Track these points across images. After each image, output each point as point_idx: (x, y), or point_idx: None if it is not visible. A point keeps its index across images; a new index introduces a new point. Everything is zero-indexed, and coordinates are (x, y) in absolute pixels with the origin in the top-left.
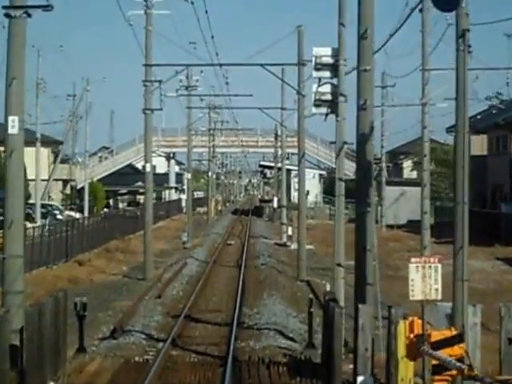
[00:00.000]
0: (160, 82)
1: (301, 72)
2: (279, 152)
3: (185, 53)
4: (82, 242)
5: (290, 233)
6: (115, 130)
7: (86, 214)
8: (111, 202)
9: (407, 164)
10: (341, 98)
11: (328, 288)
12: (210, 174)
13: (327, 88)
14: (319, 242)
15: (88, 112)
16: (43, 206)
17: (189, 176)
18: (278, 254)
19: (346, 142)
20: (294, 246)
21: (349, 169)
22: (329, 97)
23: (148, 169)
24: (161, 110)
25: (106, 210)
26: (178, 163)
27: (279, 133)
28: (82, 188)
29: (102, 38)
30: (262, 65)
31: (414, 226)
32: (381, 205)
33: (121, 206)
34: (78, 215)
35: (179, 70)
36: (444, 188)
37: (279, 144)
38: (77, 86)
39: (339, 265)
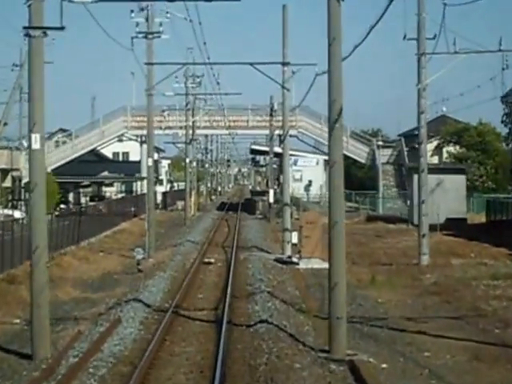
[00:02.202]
0: None
1: None
2: (276, 132)
3: None
4: None
5: (294, 240)
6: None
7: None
8: (71, 196)
9: (427, 147)
10: None
11: None
12: (187, 160)
13: None
14: None
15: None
16: None
17: (150, 162)
18: (282, 285)
19: None
20: (303, 265)
21: (359, 153)
22: None
23: (36, 145)
24: (61, 29)
25: (62, 206)
26: (157, 150)
27: (275, 107)
28: None
29: None
30: None
31: (458, 227)
32: (407, 200)
33: (83, 200)
34: (19, 214)
35: None
36: (479, 176)
37: (275, 123)
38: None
39: None
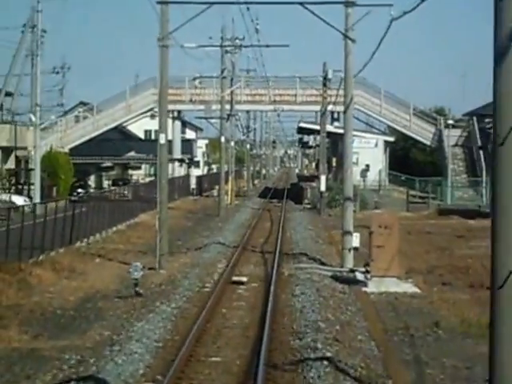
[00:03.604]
0: None
1: None
2: (329, 107)
3: None
4: None
5: (355, 244)
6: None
7: (38, 198)
8: (92, 179)
9: None
10: None
11: None
12: (222, 139)
13: None
14: (420, 269)
15: (40, 45)
16: None
17: (162, 139)
18: (349, 332)
19: None
20: (374, 287)
21: (424, 134)
22: None
23: None
24: None
25: (80, 191)
26: (195, 128)
27: (330, 75)
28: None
29: None
30: None
31: None
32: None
33: (106, 184)
34: (22, 201)
35: None
36: None
37: (331, 94)
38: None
39: None
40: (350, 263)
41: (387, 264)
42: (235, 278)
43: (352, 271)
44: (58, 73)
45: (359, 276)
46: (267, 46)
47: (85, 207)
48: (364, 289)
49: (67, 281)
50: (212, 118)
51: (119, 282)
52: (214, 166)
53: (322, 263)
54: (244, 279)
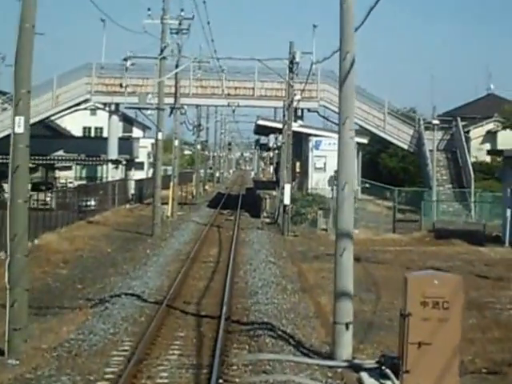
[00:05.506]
0: None
1: None
2: (296, 98)
3: None
4: None
5: (350, 288)
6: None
7: None
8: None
9: (476, 132)
10: None
11: None
12: (159, 135)
13: None
14: (473, 363)
15: None
16: None
17: (19, 126)
18: None
19: None
20: None
21: (401, 136)
22: None
23: None
24: None
25: None
26: (143, 126)
27: (297, 56)
28: None
29: None
30: None
31: None
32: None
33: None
34: None
35: None
36: None
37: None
38: None
39: None
40: (346, 349)
41: (436, 376)
42: None
43: (354, 368)
44: None
45: (368, 382)
46: None
47: None
48: None
49: None
50: (148, 108)
51: None
52: (163, 168)
53: (298, 343)
54: None
